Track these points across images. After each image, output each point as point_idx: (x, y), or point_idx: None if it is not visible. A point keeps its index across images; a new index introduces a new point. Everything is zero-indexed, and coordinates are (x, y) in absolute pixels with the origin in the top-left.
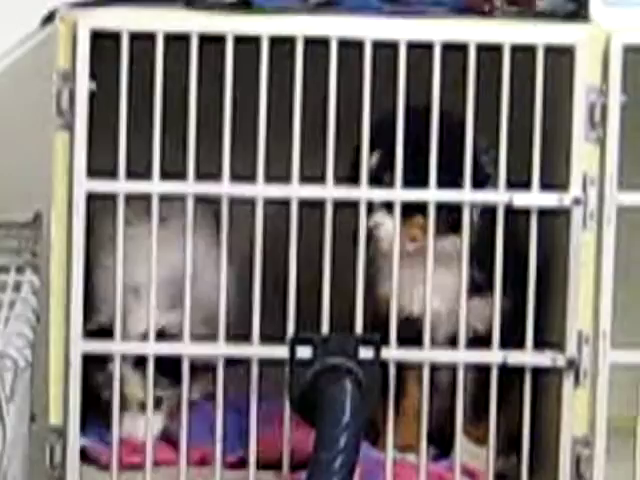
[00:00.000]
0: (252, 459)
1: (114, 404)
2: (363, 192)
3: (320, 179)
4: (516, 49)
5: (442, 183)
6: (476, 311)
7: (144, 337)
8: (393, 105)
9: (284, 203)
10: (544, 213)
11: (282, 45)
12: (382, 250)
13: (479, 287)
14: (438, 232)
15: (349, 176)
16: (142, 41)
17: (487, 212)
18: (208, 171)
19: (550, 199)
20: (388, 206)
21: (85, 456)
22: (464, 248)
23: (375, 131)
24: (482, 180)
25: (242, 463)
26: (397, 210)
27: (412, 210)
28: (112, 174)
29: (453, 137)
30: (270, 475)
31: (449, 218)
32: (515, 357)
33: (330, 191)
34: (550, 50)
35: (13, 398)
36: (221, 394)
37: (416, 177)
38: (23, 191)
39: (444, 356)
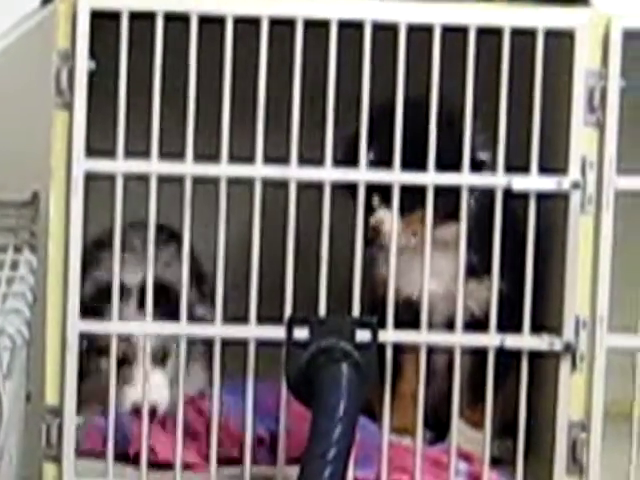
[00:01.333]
0: (248, 444)
1: (111, 382)
2: (362, 174)
3: (319, 161)
4: (516, 32)
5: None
6: (473, 294)
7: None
8: (392, 90)
9: (282, 185)
10: (542, 197)
11: (282, 26)
12: (386, 245)
13: (475, 270)
14: (437, 221)
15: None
16: (142, 21)
17: (484, 195)
18: (207, 152)
19: (549, 183)
20: (388, 201)
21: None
22: (462, 232)
23: (373, 118)
24: (477, 167)
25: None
26: (396, 193)
27: (413, 204)
28: (111, 154)
29: (449, 125)
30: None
31: (447, 206)
32: (512, 341)
33: (329, 173)
34: (550, 34)
35: (10, 376)
36: (218, 376)
37: (413, 163)
38: (21, 170)
39: (441, 339)
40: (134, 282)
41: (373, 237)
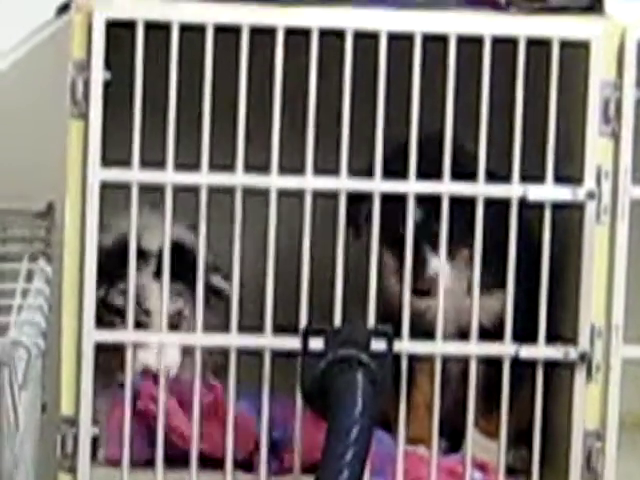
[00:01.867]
0: (264, 454)
1: (127, 392)
2: (377, 184)
3: (334, 171)
4: (531, 43)
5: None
6: (483, 307)
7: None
8: (407, 98)
9: (297, 194)
10: (558, 207)
11: (298, 36)
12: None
13: (485, 284)
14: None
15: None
16: (157, 31)
17: (496, 208)
18: (222, 162)
19: (564, 193)
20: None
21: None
22: (477, 242)
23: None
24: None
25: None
26: (411, 203)
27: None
28: (126, 164)
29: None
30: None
31: (461, 233)
32: (527, 350)
33: (344, 183)
34: (565, 44)
35: (25, 387)
36: (234, 386)
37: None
38: (37, 180)
39: (456, 349)
40: (153, 247)
41: (430, 288)
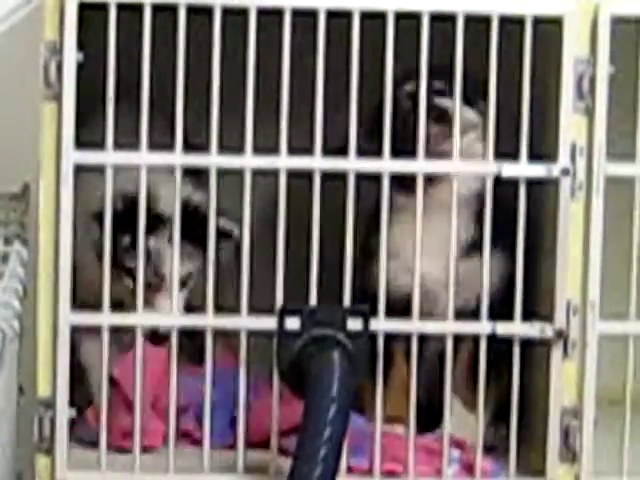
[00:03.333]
0: (241, 433)
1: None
2: (351, 163)
3: (308, 150)
4: (504, 20)
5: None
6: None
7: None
8: (381, 76)
9: (272, 174)
10: (533, 183)
11: (271, 16)
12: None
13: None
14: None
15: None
16: (130, 12)
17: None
18: (196, 142)
19: (538, 170)
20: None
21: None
22: (453, 219)
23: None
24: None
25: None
26: (385, 182)
27: None
28: (100, 146)
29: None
30: (259, 453)
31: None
32: (504, 328)
33: (318, 162)
34: (538, 21)
35: (1, 369)
36: (210, 367)
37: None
38: (11, 163)
39: (433, 327)
40: (169, 212)
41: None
